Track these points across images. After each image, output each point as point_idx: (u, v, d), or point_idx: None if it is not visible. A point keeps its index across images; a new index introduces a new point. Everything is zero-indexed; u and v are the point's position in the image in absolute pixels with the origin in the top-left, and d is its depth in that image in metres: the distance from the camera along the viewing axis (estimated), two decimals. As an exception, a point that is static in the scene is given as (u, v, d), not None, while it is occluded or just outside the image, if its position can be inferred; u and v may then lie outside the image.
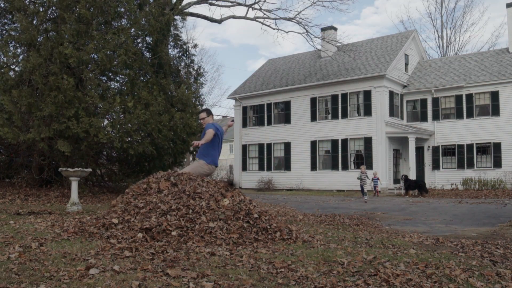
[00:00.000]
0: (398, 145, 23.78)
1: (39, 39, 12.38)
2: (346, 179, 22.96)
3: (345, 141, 23.64)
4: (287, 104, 26.18)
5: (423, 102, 24.01)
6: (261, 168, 26.98)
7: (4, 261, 3.75)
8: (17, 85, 12.20)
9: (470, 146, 22.41)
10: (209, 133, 6.46)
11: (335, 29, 27.66)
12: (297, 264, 3.96)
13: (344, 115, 23.79)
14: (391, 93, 23.26)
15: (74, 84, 11.93)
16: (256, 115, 27.77)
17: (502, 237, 6.85)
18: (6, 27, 14.37)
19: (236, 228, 5.01)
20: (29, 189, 12.89)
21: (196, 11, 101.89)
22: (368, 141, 22.77)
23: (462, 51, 39.76)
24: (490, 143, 21.87)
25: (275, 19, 24.13)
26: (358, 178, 17.13)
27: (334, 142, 24.04)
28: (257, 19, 24.21)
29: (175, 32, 16.24)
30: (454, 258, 4.58)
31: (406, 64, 25.36)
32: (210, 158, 6.59)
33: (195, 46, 16.72)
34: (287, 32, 26.58)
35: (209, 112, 7.13)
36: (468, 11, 68.34)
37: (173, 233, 4.76)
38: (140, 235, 4.64)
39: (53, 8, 13.11)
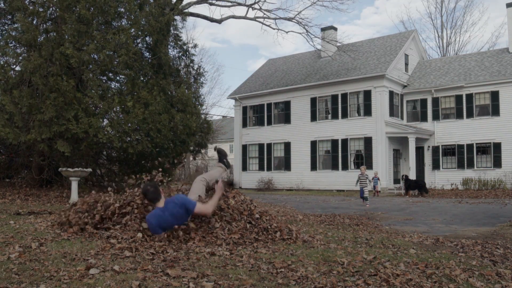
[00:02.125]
0: (398, 145, 23.77)
1: (39, 39, 12.37)
2: (346, 179, 22.96)
3: (345, 141, 23.63)
4: (287, 104, 26.17)
5: (423, 102, 24.00)
6: (261, 168, 26.98)
7: (4, 261, 3.74)
8: (17, 85, 12.20)
9: (470, 146, 22.41)
10: None
11: (335, 29, 27.66)
12: (297, 264, 3.96)
13: (344, 115, 23.79)
14: (391, 93, 23.25)
15: (74, 85, 11.93)
16: (256, 115, 27.76)
17: (502, 237, 6.85)
18: (6, 27, 14.36)
19: (238, 229, 5.01)
20: (29, 189, 12.90)
21: (196, 11, 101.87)
22: (368, 141, 22.77)
23: (462, 51, 39.78)
24: (490, 143, 21.87)
25: (275, 19, 24.12)
26: (357, 182, 15.01)
27: (334, 142, 24.03)
28: (257, 19, 24.20)
29: (175, 32, 16.21)
30: (454, 258, 4.57)
31: (406, 64, 25.36)
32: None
33: (195, 46, 16.70)
34: (287, 32, 26.58)
35: (146, 194, 4.76)
36: (468, 11, 68.41)
37: (180, 233, 4.75)
38: (140, 235, 4.64)
39: (53, 8, 13.10)
